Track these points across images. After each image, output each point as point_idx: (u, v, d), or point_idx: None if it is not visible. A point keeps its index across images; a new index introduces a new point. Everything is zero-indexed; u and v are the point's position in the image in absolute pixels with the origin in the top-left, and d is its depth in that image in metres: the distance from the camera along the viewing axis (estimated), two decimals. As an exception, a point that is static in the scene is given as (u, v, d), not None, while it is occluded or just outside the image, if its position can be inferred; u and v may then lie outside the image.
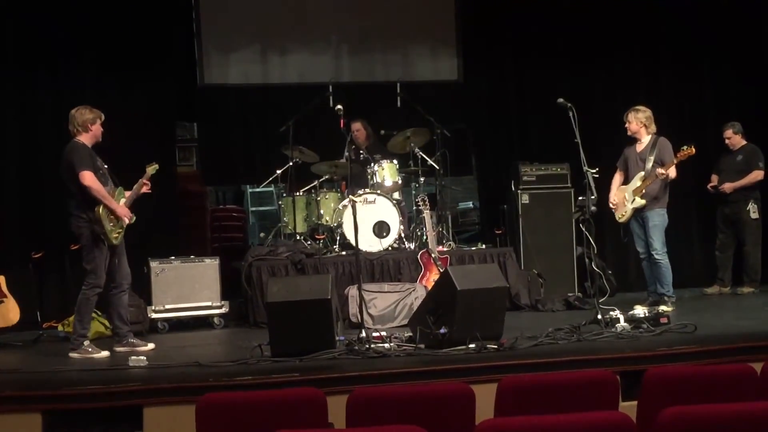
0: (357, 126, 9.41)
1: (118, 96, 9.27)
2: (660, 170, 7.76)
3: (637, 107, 8.10)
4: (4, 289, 7.67)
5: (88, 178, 6.50)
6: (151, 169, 6.98)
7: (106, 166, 6.80)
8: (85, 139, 6.68)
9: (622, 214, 8.07)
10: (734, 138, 9.23)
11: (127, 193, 6.90)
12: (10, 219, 8.68)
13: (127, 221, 6.78)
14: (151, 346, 6.88)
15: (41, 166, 8.72)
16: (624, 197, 8.05)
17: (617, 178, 8.21)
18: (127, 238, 8.94)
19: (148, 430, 5.18)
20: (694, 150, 7.72)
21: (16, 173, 8.82)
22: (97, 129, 6.73)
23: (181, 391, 5.30)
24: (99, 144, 6.83)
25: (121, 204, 6.75)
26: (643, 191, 7.88)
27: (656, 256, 7.95)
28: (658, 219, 7.97)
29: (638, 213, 8.01)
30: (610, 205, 8.12)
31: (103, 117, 6.78)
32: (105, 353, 6.66)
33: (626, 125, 8.07)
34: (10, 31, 8.93)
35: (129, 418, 5.20)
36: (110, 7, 9.20)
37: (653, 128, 8.06)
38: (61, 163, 6.68)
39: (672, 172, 7.84)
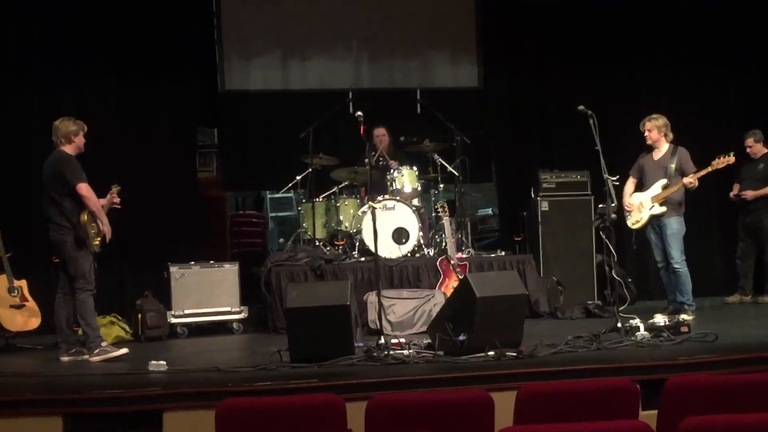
0: (381, 131, 9.43)
1: (139, 101, 9.38)
2: (694, 176, 7.67)
3: (654, 116, 8.06)
4: (26, 293, 7.74)
5: (85, 189, 6.65)
6: (117, 189, 7.08)
7: None
8: (69, 149, 6.79)
9: (637, 220, 8.02)
10: (756, 146, 9.17)
11: (102, 201, 6.95)
12: (32, 223, 8.73)
13: (107, 236, 6.87)
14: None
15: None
16: (640, 203, 8.00)
17: (630, 185, 8.14)
18: (147, 242, 9.10)
19: (168, 435, 5.21)
20: (733, 158, 7.69)
21: (40, 178, 8.88)
22: (80, 140, 6.83)
23: (200, 396, 5.32)
24: (85, 152, 6.91)
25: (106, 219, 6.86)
26: (664, 198, 7.84)
27: (675, 265, 7.89)
28: (676, 226, 7.91)
29: (655, 221, 7.96)
30: (625, 210, 8.03)
31: (86, 129, 6.87)
32: (124, 350, 6.76)
33: (646, 134, 8.02)
34: (35, 37, 9.02)
35: (149, 423, 5.22)
36: (133, 13, 9.28)
37: (671, 136, 8.03)
38: (46, 171, 6.77)
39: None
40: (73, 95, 9.09)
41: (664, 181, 7.88)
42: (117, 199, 7.08)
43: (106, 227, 6.80)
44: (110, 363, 6.57)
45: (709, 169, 7.73)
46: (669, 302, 8.15)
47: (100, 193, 6.99)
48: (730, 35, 10.23)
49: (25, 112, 9.03)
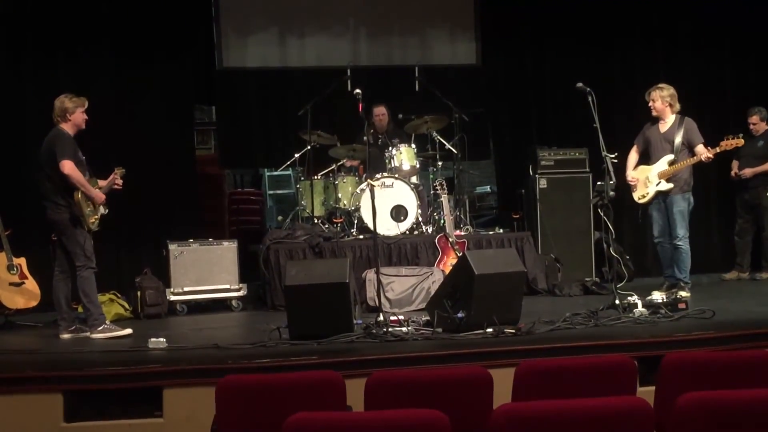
0: (381, 110, 9.42)
1: (137, 79, 9.34)
2: (707, 155, 7.56)
3: (660, 85, 7.88)
4: (25, 270, 7.74)
5: (68, 167, 6.58)
6: (120, 172, 7.04)
7: (83, 157, 6.84)
8: (67, 127, 6.75)
9: (643, 194, 7.88)
10: (760, 124, 9.19)
11: (102, 182, 6.95)
12: (30, 201, 8.72)
13: (102, 210, 6.86)
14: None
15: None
16: (646, 178, 7.87)
17: (633, 155, 8.01)
18: (146, 220, 9.10)
19: (168, 412, 5.23)
20: (742, 141, 7.61)
21: (36, 156, 8.87)
22: (77, 117, 6.77)
23: (200, 372, 5.34)
24: (82, 131, 6.87)
25: (96, 190, 6.83)
26: (671, 175, 7.74)
27: (678, 242, 7.79)
28: (684, 203, 7.79)
29: (662, 196, 7.85)
30: (629, 182, 7.93)
31: (86, 104, 6.81)
32: (129, 330, 6.78)
33: (651, 104, 7.86)
34: (30, 15, 8.97)
35: (149, 400, 5.25)
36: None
37: (677, 107, 7.86)
38: (42, 148, 6.75)
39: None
40: (68, 73, 9.06)
41: (671, 157, 7.74)
42: (119, 182, 7.03)
43: (97, 197, 6.76)
44: (110, 340, 6.59)
45: (718, 150, 7.57)
46: (665, 278, 8.10)
47: (100, 174, 6.97)
48: (725, 14, 10.17)
49: (19, 91, 9.03)
